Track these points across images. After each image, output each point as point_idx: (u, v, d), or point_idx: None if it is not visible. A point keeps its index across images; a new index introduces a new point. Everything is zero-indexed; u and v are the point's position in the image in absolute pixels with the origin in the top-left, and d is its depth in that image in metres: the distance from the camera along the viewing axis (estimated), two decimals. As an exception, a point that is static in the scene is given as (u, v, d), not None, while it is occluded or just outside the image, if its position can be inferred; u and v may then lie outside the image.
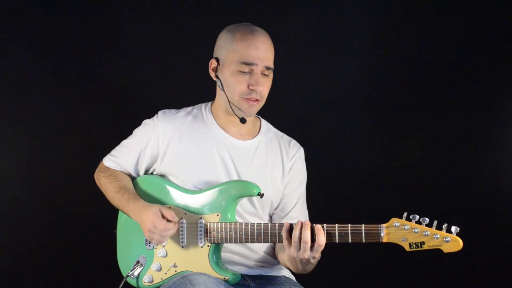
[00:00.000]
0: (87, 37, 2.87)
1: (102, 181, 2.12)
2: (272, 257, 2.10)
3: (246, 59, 1.94)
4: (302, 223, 1.79)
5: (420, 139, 2.86)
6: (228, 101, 2.00)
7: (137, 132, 2.12)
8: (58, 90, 2.88)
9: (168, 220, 1.92)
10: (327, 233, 1.79)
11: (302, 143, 2.19)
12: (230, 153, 2.05)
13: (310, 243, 1.77)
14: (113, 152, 2.15)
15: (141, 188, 2.08)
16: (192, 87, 2.63)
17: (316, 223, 1.80)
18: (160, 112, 2.11)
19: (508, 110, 2.82)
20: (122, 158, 2.11)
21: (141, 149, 2.07)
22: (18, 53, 2.85)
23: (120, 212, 2.11)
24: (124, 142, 2.14)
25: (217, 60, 2.02)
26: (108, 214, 2.15)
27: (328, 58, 2.88)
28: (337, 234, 1.78)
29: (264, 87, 1.98)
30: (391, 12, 2.86)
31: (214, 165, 2.02)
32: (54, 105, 2.87)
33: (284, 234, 1.81)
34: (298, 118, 2.80)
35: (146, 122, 2.12)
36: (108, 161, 2.13)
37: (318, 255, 1.79)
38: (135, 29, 2.89)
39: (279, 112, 2.10)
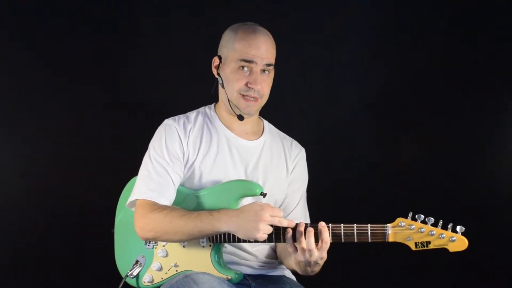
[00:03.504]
0: (90, 38, 2.86)
1: (158, 217, 1.86)
2: (273, 259, 2.10)
3: (245, 57, 1.95)
4: (305, 230, 1.78)
5: (421, 138, 2.89)
6: (228, 99, 2.01)
7: (159, 155, 1.97)
8: (58, 91, 2.85)
9: None
10: (332, 233, 1.79)
11: (304, 142, 2.20)
12: (240, 153, 2.05)
13: (316, 243, 1.77)
14: (150, 187, 1.93)
15: None
16: (195, 89, 2.61)
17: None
18: (168, 120, 2.05)
19: (509, 110, 2.85)
20: (166, 190, 1.93)
21: (174, 167, 1.96)
22: (18, 53, 2.82)
23: (117, 211, 2.09)
24: (154, 177, 1.94)
25: (220, 58, 2.02)
26: (107, 214, 2.12)
27: (328, 58, 2.89)
28: (342, 233, 1.79)
29: (263, 85, 1.97)
30: (392, 12, 2.88)
31: (225, 165, 2.02)
32: (55, 105, 2.84)
33: (286, 241, 1.80)
34: (299, 118, 2.80)
35: (160, 137, 2.00)
36: (158, 198, 1.91)
37: (325, 254, 1.79)
38: (140, 28, 2.88)
39: (279, 111, 2.10)
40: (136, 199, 1.94)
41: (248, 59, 1.95)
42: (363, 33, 2.90)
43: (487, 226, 2.71)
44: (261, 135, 2.13)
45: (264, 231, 1.80)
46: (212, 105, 2.14)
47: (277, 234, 1.86)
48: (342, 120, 2.90)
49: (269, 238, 1.87)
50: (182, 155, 2.00)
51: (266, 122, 2.18)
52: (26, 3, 2.82)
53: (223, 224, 1.83)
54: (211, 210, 1.87)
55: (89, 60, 2.86)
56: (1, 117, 2.83)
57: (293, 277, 2.12)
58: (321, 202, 2.24)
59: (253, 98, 1.98)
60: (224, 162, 2.02)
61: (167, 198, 1.93)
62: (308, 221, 2.09)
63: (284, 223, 1.82)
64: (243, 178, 2.03)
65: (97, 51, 2.86)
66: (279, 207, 2.11)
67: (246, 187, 1.94)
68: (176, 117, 2.08)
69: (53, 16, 2.84)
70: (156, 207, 1.89)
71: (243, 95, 1.98)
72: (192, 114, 2.11)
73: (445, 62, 2.85)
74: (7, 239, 2.83)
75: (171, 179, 1.95)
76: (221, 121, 2.09)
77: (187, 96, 2.19)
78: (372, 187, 2.89)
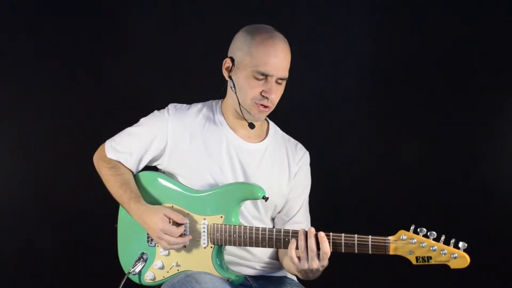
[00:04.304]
0: (90, 36, 2.84)
1: (103, 171, 2.07)
2: (275, 260, 2.09)
3: (263, 70, 1.89)
4: (305, 232, 1.77)
5: (421, 139, 2.87)
6: (239, 104, 1.96)
7: (145, 122, 2.06)
8: (58, 90, 2.85)
9: (177, 224, 1.91)
10: (333, 242, 1.77)
11: (303, 144, 2.17)
12: (239, 155, 2.02)
13: (316, 251, 1.75)
14: (116, 142, 2.06)
15: (144, 185, 2.05)
16: (196, 86, 2.61)
17: (320, 229, 1.78)
18: (171, 106, 2.06)
19: (509, 109, 2.82)
20: (126, 153, 2.04)
21: (147, 143, 2.02)
22: (19, 52, 2.81)
23: (120, 207, 2.08)
24: (129, 130, 2.07)
25: (232, 60, 1.96)
26: (109, 212, 2.12)
27: (327, 58, 2.86)
28: (343, 244, 1.76)
29: (276, 94, 1.94)
30: (392, 11, 2.83)
31: (221, 166, 1.99)
32: (55, 105, 2.85)
33: (289, 252, 1.78)
34: (298, 118, 2.79)
35: (156, 114, 2.06)
36: (111, 152, 2.06)
37: (326, 262, 1.77)
38: (138, 28, 2.87)
39: (279, 111, 2.05)
40: (105, 144, 2.09)
41: (265, 72, 1.89)
42: (362, 33, 2.85)
43: (488, 226, 2.71)
44: (265, 138, 2.09)
45: (163, 246, 1.93)
46: (219, 102, 2.10)
47: (278, 240, 1.85)
48: (342, 122, 2.88)
49: (269, 244, 1.87)
50: (157, 150, 2.02)
51: (272, 125, 2.14)
52: (24, 2, 2.81)
53: (134, 217, 1.97)
54: (139, 197, 1.98)
55: (91, 60, 2.84)
56: (1, 117, 2.83)
57: (295, 278, 2.12)
58: (322, 207, 2.23)
59: (265, 106, 1.94)
60: (221, 163, 1.99)
61: (125, 159, 2.04)
62: (309, 226, 2.06)
63: (175, 246, 1.91)
64: (241, 181, 2.00)
65: (98, 51, 2.85)
66: (280, 212, 2.10)
67: (248, 190, 1.93)
68: (179, 106, 2.07)
69: (53, 15, 2.82)
70: (107, 161, 2.05)
71: (256, 103, 1.94)
72: (196, 107, 2.07)
73: (445, 62, 2.82)
74: (7, 239, 2.85)
75: (138, 150, 2.03)
76: (226, 121, 2.05)
77: (189, 96, 2.15)
78: (372, 189, 2.88)
